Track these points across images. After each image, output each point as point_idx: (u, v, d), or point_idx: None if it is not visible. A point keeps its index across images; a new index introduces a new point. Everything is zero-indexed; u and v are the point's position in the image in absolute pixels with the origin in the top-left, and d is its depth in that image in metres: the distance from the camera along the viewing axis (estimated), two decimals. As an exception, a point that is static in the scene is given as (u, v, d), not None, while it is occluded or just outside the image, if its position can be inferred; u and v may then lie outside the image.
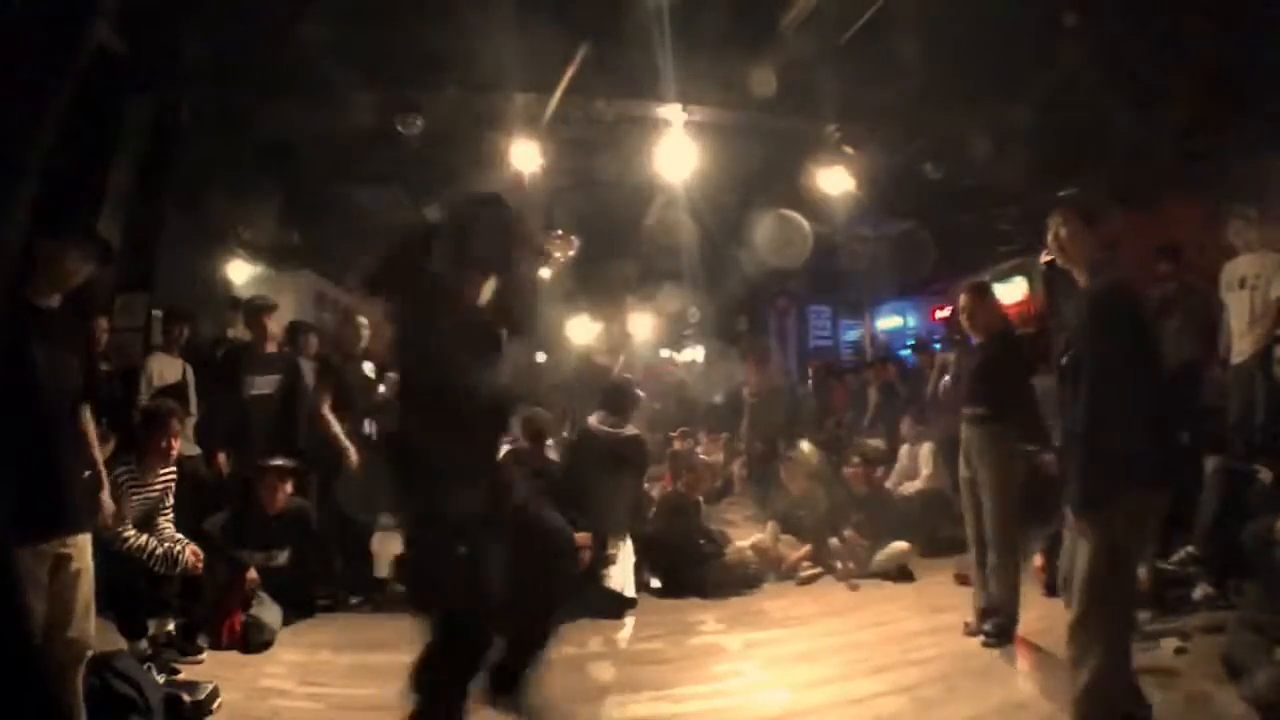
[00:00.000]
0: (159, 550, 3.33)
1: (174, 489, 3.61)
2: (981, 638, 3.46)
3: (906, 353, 8.32)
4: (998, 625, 3.45)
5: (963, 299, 3.71)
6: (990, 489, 3.48)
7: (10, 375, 2.11)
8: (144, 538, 3.33)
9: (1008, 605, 3.46)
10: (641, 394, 5.80)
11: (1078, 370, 2.23)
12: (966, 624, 3.63)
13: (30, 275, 2.27)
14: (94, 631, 2.35)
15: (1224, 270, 4.42)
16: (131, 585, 3.25)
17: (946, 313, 9.28)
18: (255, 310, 4.75)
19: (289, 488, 4.19)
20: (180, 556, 3.37)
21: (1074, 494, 2.22)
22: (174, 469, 3.62)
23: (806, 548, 4.94)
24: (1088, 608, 2.19)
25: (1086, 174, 6.53)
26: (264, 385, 4.53)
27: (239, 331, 5.29)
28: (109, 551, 2.93)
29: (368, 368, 4.89)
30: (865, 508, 5.20)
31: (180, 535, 3.52)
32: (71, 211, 2.90)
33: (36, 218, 2.32)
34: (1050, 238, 2.47)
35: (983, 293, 3.76)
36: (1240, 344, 4.30)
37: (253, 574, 3.82)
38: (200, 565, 3.44)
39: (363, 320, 4.93)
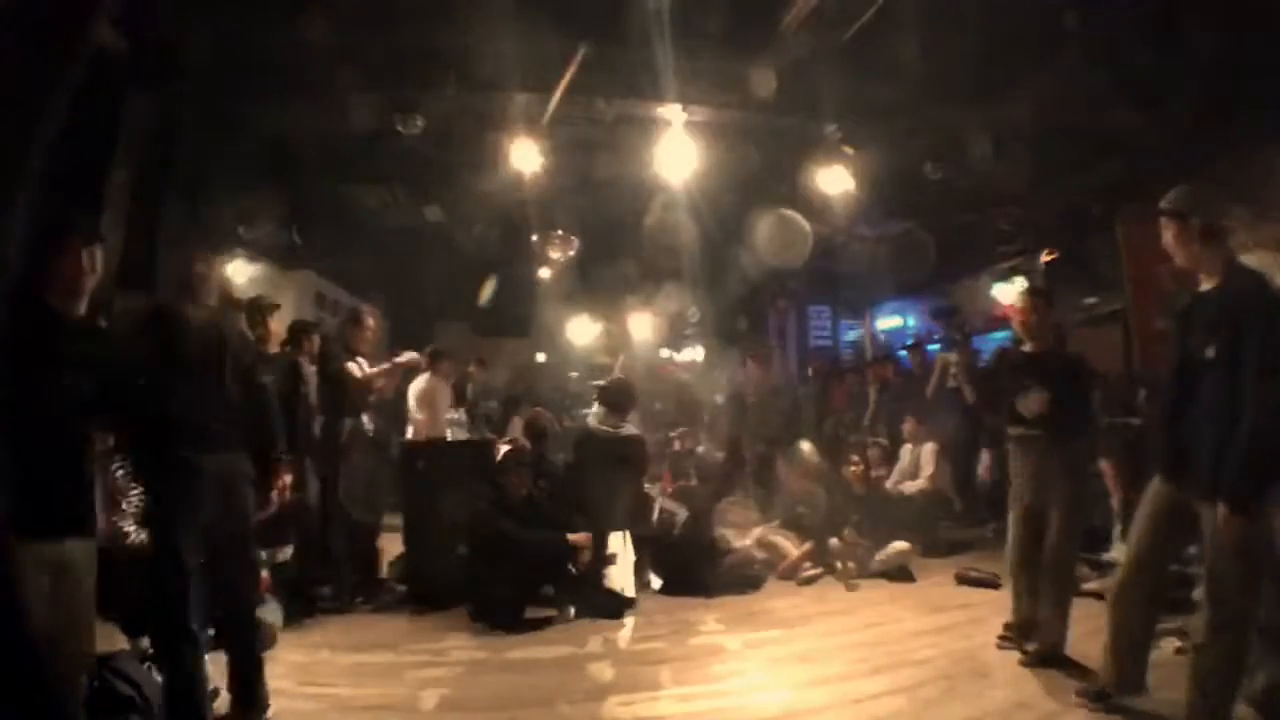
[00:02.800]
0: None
1: None
2: (1027, 656, 3.25)
3: (902, 353, 8.31)
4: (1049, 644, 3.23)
5: (1021, 301, 3.52)
6: (1064, 512, 3.25)
7: (29, 379, 2.11)
8: (144, 535, 3.31)
9: (1057, 629, 3.25)
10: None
11: (1226, 363, 2.27)
12: (1004, 637, 3.47)
13: (48, 280, 2.27)
14: (95, 636, 2.35)
15: None
16: (132, 583, 3.24)
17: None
18: (259, 310, 4.75)
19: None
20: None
21: (1235, 486, 2.23)
22: None
23: (808, 546, 4.94)
24: (1236, 595, 2.31)
25: (1086, 174, 6.56)
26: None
27: (239, 331, 5.29)
28: (109, 549, 2.92)
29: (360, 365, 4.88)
30: (865, 507, 5.21)
31: None
32: (71, 211, 2.89)
33: (37, 217, 2.32)
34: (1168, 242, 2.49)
35: (1039, 296, 3.58)
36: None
37: (264, 576, 3.81)
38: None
39: (369, 321, 4.93)
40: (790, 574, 4.84)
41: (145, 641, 3.27)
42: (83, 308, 2.35)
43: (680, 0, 4.74)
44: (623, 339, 11.80)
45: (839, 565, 4.84)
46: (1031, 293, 3.60)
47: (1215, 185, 2.65)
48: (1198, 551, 3.90)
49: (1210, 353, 2.32)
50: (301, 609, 4.10)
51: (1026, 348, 3.49)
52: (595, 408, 7.21)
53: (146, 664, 2.98)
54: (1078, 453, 3.33)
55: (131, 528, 3.28)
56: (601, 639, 3.86)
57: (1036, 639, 3.29)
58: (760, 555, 4.94)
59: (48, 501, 2.14)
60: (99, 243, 2.41)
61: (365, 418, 4.70)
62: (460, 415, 7.51)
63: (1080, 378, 3.42)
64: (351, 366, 4.72)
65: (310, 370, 4.76)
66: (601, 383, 9.39)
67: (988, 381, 3.72)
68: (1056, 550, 3.27)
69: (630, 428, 4.92)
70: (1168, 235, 2.47)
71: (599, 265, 10.07)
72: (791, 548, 4.97)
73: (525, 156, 6.05)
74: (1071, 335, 5.53)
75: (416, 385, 6.19)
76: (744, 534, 5.22)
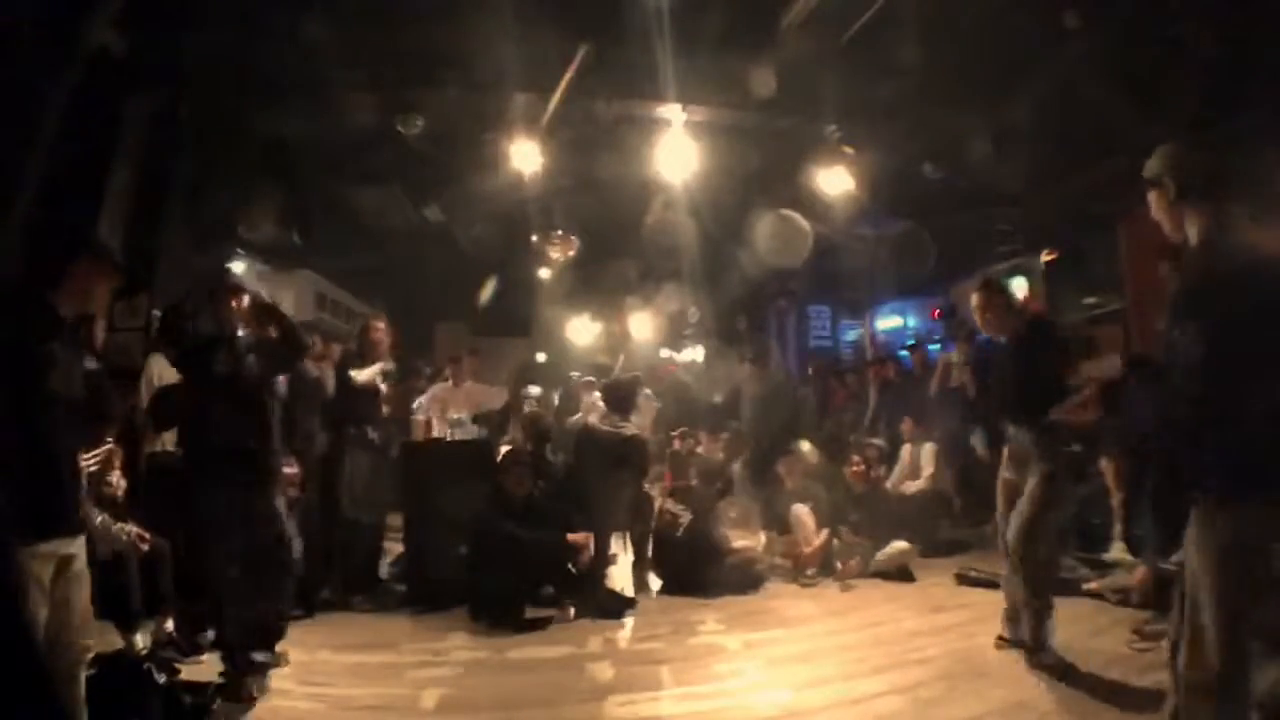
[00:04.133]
0: (112, 534, 3.33)
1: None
2: (1009, 647, 3.16)
3: (904, 353, 8.31)
4: (1031, 632, 3.15)
5: (975, 298, 3.49)
6: (1032, 481, 3.16)
7: (25, 378, 2.11)
8: (100, 518, 3.31)
9: (1032, 624, 3.16)
10: (648, 392, 5.81)
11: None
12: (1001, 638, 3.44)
13: (59, 287, 2.26)
14: (94, 632, 2.35)
15: None
16: (123, 578, 3.25)
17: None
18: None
19: (290, 483, 4.18)
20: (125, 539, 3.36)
21: (1241, 481, 1.79)
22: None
23: (817, 544, 4.92)
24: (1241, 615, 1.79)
25: (1086, 174, 6.56)
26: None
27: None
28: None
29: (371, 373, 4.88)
30: (865, 507, 5.20)
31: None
32: (71, 211, 2.89)
33: (37, 217, 2.32)
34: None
35: (993, 288, 3.53)
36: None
37: None
38: (143, 547, 3.42)
39: (380, 327, 4.93)
40: (795, 573, 4.84)
41: (140, 641, 3.28)
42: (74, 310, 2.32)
43: (680, 0, 4.74)
44: (623, 339, 11.79)
45: (839, 565, 4.84)
46: (984, 287, 3.53)
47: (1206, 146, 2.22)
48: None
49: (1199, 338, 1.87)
50: (301, 609, 4.10)
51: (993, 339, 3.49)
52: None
53: (146, 664, 2.98)
54: (1050, 439, 3.20)
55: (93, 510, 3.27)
56: (601, 639, 3.86)
57: (1020, 632, 3.19)
58: (779, 543, 4.93)
59: (49, 501, 2.14)
60: (114, 260, 2.44)
61: (369, 427, 4.71)
62: (463, 416, 7.49)
63: (1039, 364, 3.27)
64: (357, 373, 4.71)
65: (308, 369, 4.77)
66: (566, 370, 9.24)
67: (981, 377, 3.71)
68: (1017, 530, 3.15)
69: (632, 428, 4.92)
70: (1153, 206, 2.13)
71: (599, 265, 10.06)
72: (813, 525, 4.96)
73: (525, 156, 6.04)
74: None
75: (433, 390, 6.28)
76: (744, 534, 5.22)
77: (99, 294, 2.37)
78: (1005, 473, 3.40)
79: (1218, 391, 1.83)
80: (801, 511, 5.01)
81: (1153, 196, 2.13)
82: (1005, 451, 3.42)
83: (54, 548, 2.15)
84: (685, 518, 4.97)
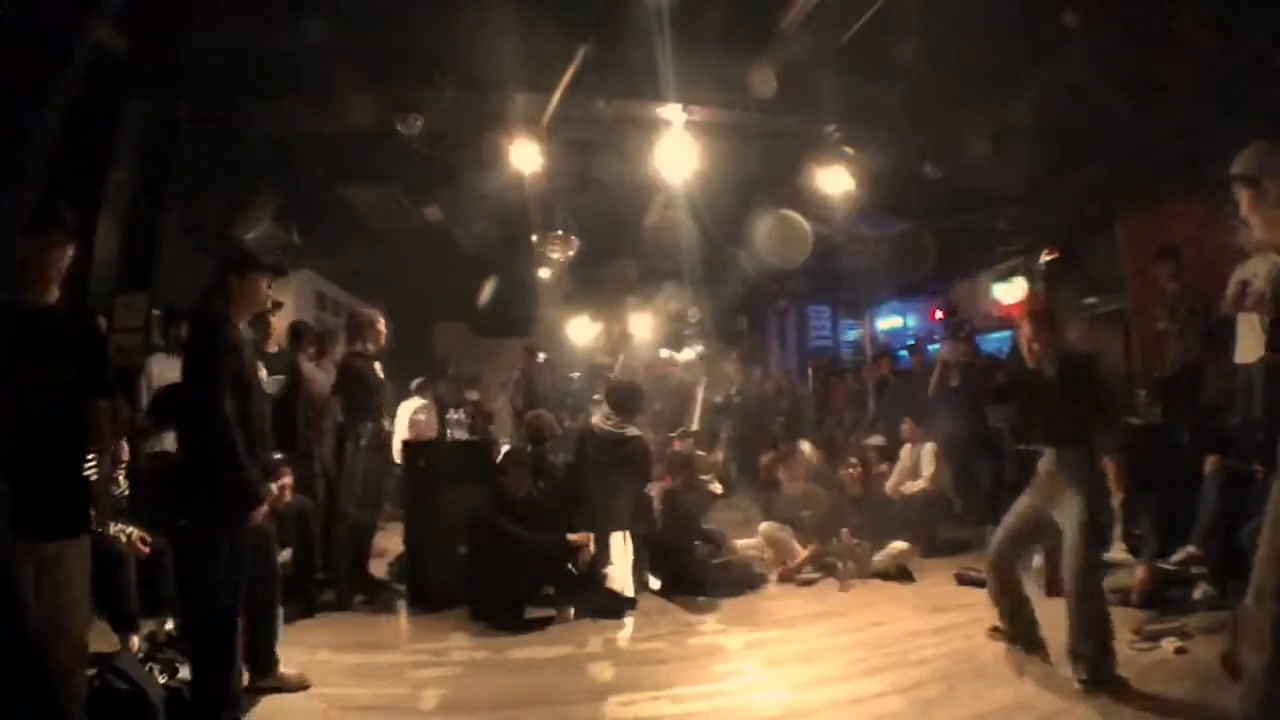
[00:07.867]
0: (121, 537, 3.33)
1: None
2: (1078, 686, 2.91)
3: (904, 353, 8.31)
4: (1092, 666, 2.94)
5: (1027, 326, 3.34)
6: (1078, 519, 3.07)
7: (7, 379, 2.10)
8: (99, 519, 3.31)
9: (1099, 644, 2.98)
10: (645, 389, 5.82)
11: None
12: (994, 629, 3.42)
13: (17, 276, 2.24)
14: (89, 631, 2.34)
15: (1234, 274, 4.41)
16: (120, 579, 3.24)
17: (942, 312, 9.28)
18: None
19: (289, 485, 4.18)
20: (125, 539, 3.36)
21: None
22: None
23: (813, 548, 4.93)
24: None
25: (1086, 174, 6.56)
26: (269, 385, 4.52)
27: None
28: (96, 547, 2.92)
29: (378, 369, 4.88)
30: (864, 508, 5.21)
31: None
32: (40, 204, 2.79)
33: (36, 217, 2.31)
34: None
35: (1048, 315, 3.42)
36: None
37: None
38: (144, 549, 3.42)
39: (380, 323, 4.92)
40: (791, 575, 4.84)
41: (135, 641, 3.28)
42: (52, 296, 2.29)
43: (680, 0, 4.74)
44: (623, 339, 11.80)
45: (839, 565, 4.84)
46: (1034, 313, 3.41)
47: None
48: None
49: None
50: (301, 609, 4.10)
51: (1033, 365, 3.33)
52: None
53: (147, 664, 2.99)
54: (1081, 461, 3.19)
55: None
56: (601, 639, 3.87)
57: (1081, 673, 2.97)
58: (767, 554, 4.93)
59: (32, 501, 2.12)
60: (67, 229, 2.34)
61: (387, 421, 4.71)
62: (461, 415, 7.51)
63: (1079, 386, 3.25)
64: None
65: (310, 369, 4.77)
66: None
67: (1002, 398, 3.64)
68: (1072, 570, 3.03)
69: (633, 428, 4.91)
70: (1243, 203, 2.11)
71: (599, 265, 10.06)
72: (798, 546, 4.97)
73: (525, 156, 6.04)
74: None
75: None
76: (743, 534, 5.22)
77: (44, 261, 2.27)
78: (1030, 496, 3.32)
79: None
80: (774, 530, 5.03)
81: (1247, 195, 2.08)
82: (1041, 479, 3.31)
83: (49, 548, 2.13)
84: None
